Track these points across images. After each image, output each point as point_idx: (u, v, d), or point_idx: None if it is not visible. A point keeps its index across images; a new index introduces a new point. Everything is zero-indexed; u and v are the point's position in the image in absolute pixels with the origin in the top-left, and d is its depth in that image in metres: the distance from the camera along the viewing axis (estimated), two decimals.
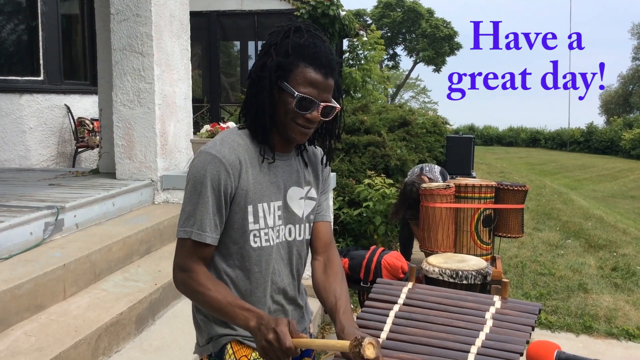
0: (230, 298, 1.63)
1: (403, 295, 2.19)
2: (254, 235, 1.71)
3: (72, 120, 7.79)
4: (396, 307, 2.08)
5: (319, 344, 1.65)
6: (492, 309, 2.09)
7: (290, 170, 1.79)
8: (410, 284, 2.31)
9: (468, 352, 1.78)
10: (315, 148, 1.89)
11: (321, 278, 1.86)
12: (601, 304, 4.98)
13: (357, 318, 2.02)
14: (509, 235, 4.98)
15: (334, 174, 5.11)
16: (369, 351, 1.41)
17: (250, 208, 1.68)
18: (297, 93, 1.61)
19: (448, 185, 4.68)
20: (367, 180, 6.38)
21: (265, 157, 1.70)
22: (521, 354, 1.80)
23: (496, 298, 2.20)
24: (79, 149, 7.79)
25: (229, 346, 1.74)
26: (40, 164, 7.40)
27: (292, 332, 1.51)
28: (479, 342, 1.84)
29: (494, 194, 4.88)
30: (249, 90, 1.71)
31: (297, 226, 1.81)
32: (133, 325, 3.24)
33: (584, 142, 28.36)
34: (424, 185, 4.72)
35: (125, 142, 4.80)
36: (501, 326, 1.97)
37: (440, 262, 3.74)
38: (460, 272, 3.55)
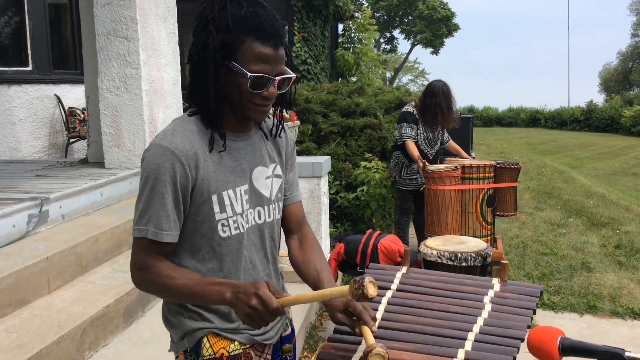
0: (197, 278, 1.52)
1: (396, 281, 2.07)
2: (222, 225, 1.59)
3: (62, 111, 7.65)
4: (389, 294, 1.96)
5: (310, 297, 1.51)
6: (491, 293, 1.97)
7: (253, 150, 1.67)
8: (404, 269, 2.19)
9: (465, 339, 1.66)
10: (269, 117, 1.77)
11: (299, 255, 1.80)
12: (605, 283, 4.87)
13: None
14: (506, 213, 4.95)
15: (328, 157, 4.98)
16: (372, 289, 1.35)
17: (214, 198, 1.56)
18: (249, 74, 1.48)
19: (455, 167, 4.58)
20: (364, 163, 6.26)
21: (215, 146, 1.57)
22: (522, 340, 1.68)
23: (495, 281, 2.08)
24: (71, 140, 7.65)
25: (205, 339, 1.63)
26: (32, 156, 7.27)
27: (274, 293, 1.43)
28: (476, 328, 1.72)
29: (494, 173, 4.80)
30: (191, 73, 1.57)
31: (266, 207, 1.70)
32: (121, 318, 3.13)
33: (584, 120, 28.16)
34: (432, 167, 4.60)
35: (112, 130, 4.67)
36: (500, 310, 1.85)
37: (439, 244, 3.63)
38: (460, 254, 3.43)
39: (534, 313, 1.86)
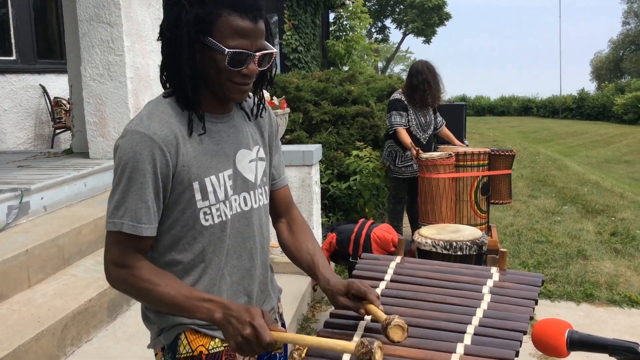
0: (185, 290, 1.41)
1: (390, 271, 1.96)
2: (205, 213, 1.48)
3: (48, 101, 7.49)
4: (382, 285, 1.86)
5: (309, 342, 1.38)
6: (490, 282, 1.87)
7: (235, 132, 1.56)
8: (398, 258, 2.08)
9: (464, 332, 1.56)
10: (249, 97, 1.66)
11: (289, 239, 1.73)
12: (602, 271, 4.80)
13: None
14: (500, 201, 4.88)
15: (319, 145, 4.87)
16: (379, 355, 1.27)
17: (196, 185, 1.45)
18: (227, 50, 1.37)
19: (449, 154, 4.48)
20: (355, 152, 6.15)
21: (194, 130, 1.46)
22: (525, 333, 1.58)
23: (494, 270, 1.98)
24: (57, 131, 7.50)
25: (182, 336, 1.51)
26: (17, 147, 7.11)
27: (268, 324, 1.33)
28: (476, 320, 1.62)
29: (488, 161, 4.71)
30: (164, 51, 1.45)
31: (252, 193, 1.59)
32: (105, 312, 3.02)
33: (576, 108, 28.13)
34: (425, 155, 4.50)
35: (97, 119, 4.53)
36: (501, 301, 1.75)
37: (433, 233, 3.53)
38: (455, 243, 3.33)
39: (536, 304, 1.77)
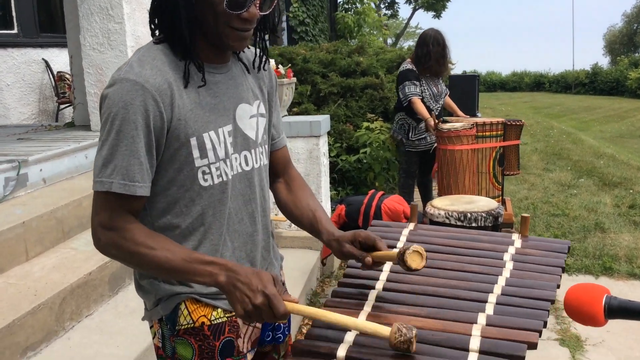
0: (184, 253, 1.28)
1: (403, 238, 1.83)
2: (203, 173, 1.34)
3: (51, 75, 7.35)
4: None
5: (332, 317, 1.25)
6: (512, 249, 1.73)
7: (235, 84, 1.42)
8: (411, 225, 1.95)
9: (485, 301, 1.42)
10: (249, 48, 1.51)
11: (288, 197, 1.62)
12: (620, 244, 4.64)
13: (348, 266, 1.67)
14: (510, 172, 4.78)
15: (327, 116, 4.71)
16: (415, 344, 1.19)
17: (193, 141, 1.31)
18: None
19: (472, 124, 4.33)
20: (366, 124, 5.98)
21: (191, 81, 1.32)
22: (553, 302, 1.44)
23: (515, 236, 1.84)
24: (61, 106, 7.37)
25: (182, 306, 1.39)
26: (21, 123, 7.00)
27: (280, 292, 1.22)
28: (498, 289, 1.48)
29: (503, 131, 4.57)
30: None
31: (253, 152, 1.45)
32: (106, 286, 2.91)
33: (589, 83, 27.70)
34: (448, 126, 4.31)
35: (97, 90, 4.39)
36: (524, 269, 1.61)
37: (447, 204, 3.39)
38: (469, 214, 3.19)
39: (563, 271, 1.62)
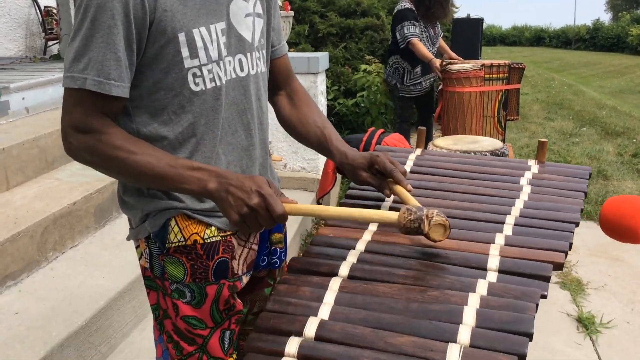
0: (168, 158, 1.13)
1: (410, 163, 1.69)
2: (194, 75, 1.17)
3: (38, 11, 7.05)
4: None
5: (333, 213, 1.17)
6: (528, 174, 1.59)
7: None
8: (418, 151, 1.80)
9: (503, 222, 1.29)
10: None
11: (292, 112, 1.45)
12: (623, 191, 4.53)
13: (350, 187, 1.53)
14: (510, 117, 4.67)
15: (326, 53, 4.51)
16: (438, 234, 1.11)
17: (182, 37, 1.13)
18: None
19: (480, 65, 4.15)
20: (364, 67, 5.78)
21: None
22: (577, 224, 1.31)
23: (531, 162, 1.70)
24: (49, 42, 7.08)
25: (172, 222, 1.24)
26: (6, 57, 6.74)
27: (277, 194, 1.13)
28: (515, 211, 1.35)
29: (508, 74, 4.40)
30: None
31: (249, 55, 1.28)
32: (92, 218, 2.77)
33: (589, 39, 27.35)
34: (457, 67, 4.11)
35: None
36: (543, 192, 1.47)
37: (449, 144, 3.24)
38: (473, 154, 3.05)
39: (585, 196, 1.49)
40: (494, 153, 3.11)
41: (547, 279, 1.06)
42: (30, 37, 7.19)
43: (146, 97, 1.18)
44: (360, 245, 1.19)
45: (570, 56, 22.91)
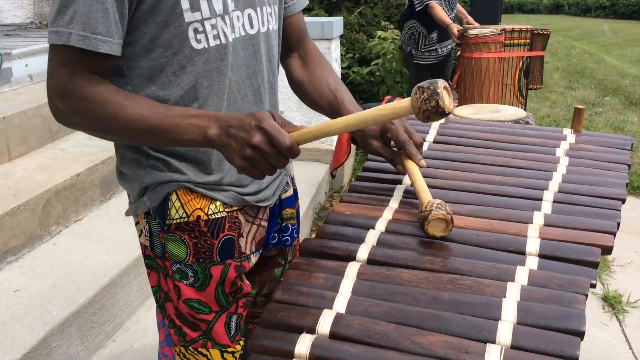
0: (163, 108, 1.01)
1: (433, 131, 1.54)
2: (195, 31, 1.03)
3: None
4: (424, 146, 1.44)
5: (342, 125, 0.99)
6: (565, 145, 1.45)
7: None
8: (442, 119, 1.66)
9: (540, 199, 1.15)
10: None
11: (303, 75, 1.31)
12: None
13: (368, 159, 1.39)
14: (533, 86, 4.49)
15: (340, 18, 4.32)
16: (448, 100, 0.88)
17: None
18: None
19: (500, 30, 3.97)
20: (379, 33, 5.58)
21: None
22: (623, 201, 1.17)
23: (567, 131, 1.55)
24: None
25: (173, 197, 1.12)
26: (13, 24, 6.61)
27: (283, 126, 0.97)
28: (554, 185, 1.21)
29: (530, 40, 4.21)
30: None
31: (260, 10, 1.14)
32: (97, 191, 2.67)
33: (609, 6, 26.61)
34: (475, 31, 3.93)
35: None
36: (582, 165, 1.33)
37: (470, 112, 3.08)
38: (501, 123, 2.89)
39: (629, 169, 1.35)
40: (517, 122, 2.95)
41: (595, 265, 0.93)
42: (38, 4, 7.03)
43: (142, 56, 1.04)
44: (380, 225, 1.06)
45: (589, 24, 22.32)
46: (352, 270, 0.92)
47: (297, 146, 0.95)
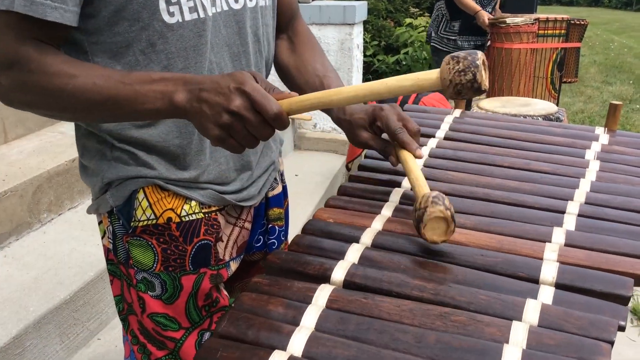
0: (120, 75, 0.84)
1: (445, 126, 1.36)
2: (168, 2, 0.86)
3: None
4: (433, 142, 1.26)
5: (344, 97, 0.84)
6: (596, 146, 1.25)
7: None
8: (457, 112, 1.47)
9: (563, 212, 0.96)
10: None
11: (290, 59, 1.15)
12: None
13: (366, 156, 1.21)
14: (567, 79, 4.27)
15: (364, 2, 4.11)
16: (485, 75, 0.75)
17: None
18: None
19: (533, 20, 3.75)
20: (408, 20, 5.37)
21: None
22: None
23: (599, 130, 1.35)
24: None
25: (140, 195, 0.96)
26: None
27: (268, 90, 0.81)
28: (580, 196, 1.02)
29: (566, 31, 3.96)
30: None
31: None
32: None
33: None
34: (507, 20, 3.71)
35: None
36: (616, 171, 1.13)
37: (497, 106, 2.88)
38: (524, 118, 2.68)
39: None
40: (546, 118, 2.74)
41: (625, 301, 0.74)
42: None
43: (106, 29, 0.88)
44: (367, 238, 0.88)
45: (631, 17, 21.59)
46: (322, 295, 0.75)
47: (287, 115, 0.79)
